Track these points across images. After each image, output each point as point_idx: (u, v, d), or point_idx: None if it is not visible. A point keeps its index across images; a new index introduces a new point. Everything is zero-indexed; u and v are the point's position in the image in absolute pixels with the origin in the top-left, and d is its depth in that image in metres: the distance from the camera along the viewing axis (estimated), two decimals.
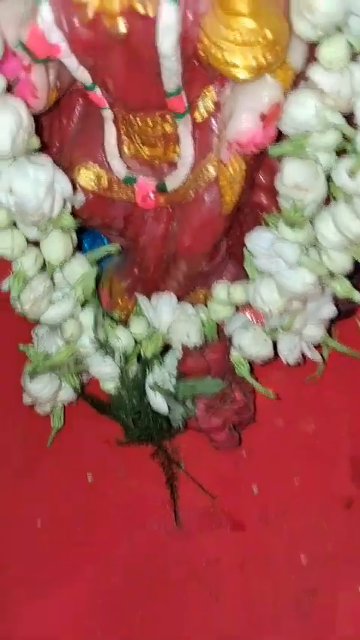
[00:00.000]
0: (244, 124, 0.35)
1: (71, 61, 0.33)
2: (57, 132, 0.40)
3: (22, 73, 0.33)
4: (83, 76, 0.35)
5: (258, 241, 0.40)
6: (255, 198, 0.41)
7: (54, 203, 0.37)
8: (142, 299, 0.46)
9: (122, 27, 0.31)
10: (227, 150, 0.36)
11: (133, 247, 0.46)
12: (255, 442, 0.49)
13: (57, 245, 0.40)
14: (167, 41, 0.31)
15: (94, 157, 0.40)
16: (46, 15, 0.31)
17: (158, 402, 0.46)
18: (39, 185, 0.35)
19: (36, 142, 0.35)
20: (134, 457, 0.50)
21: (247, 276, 0.44)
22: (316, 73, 0.34)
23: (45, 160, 0.35)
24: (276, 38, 0.31)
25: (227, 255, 0.45)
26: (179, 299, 0.46)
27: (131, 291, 0.49)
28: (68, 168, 0.40)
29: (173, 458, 0.49)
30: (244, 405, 0.48)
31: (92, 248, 0.45)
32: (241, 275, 0.46)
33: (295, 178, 0.36)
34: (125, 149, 0.40)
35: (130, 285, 0.49)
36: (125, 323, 0.48)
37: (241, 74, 0.32)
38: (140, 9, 0.31)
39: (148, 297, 0.47)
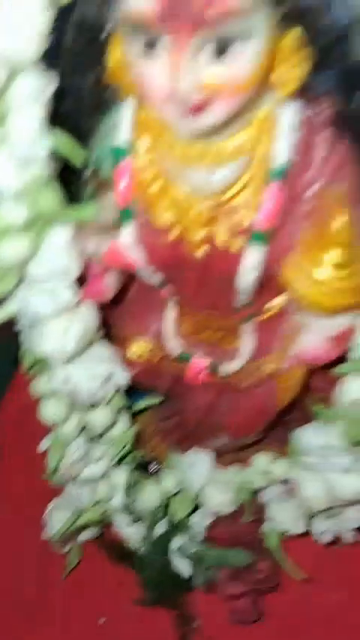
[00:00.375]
0: (312, 343, 0.33)
1: (145, 271, 0.32)
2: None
3: (94, 276, 0.32)
4: (154, 279, 0.33)
5: (310, 438, 0.38)
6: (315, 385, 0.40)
7: (107, 393, 0.35)
8: (178, 455, 0.45)
9: (201, 253, 0.30)
10: (291, 360, 0.35)
11: (175, 401, 0.45)
12: (275, 610, 0.47)
13: (103, 416, 0.39)
14: (248, 280, 0.30)
15: (149, 331, 0.39)
16: (127, 237, 0.30)
17: (182, 566, 0.45)
18: (96, 379, 0.34)
19: (98, 336, 0.34)
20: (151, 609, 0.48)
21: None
22: None
23: (105, 352, 0.34)
24: None
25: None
26: (217, 457, 0.45)
27: (166, 435, 0.47)
28: (119, 340, 0.39)
29: (188, 615, 0.48)
30: (269, 574, 0.46)
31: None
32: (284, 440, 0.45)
33: (356, 394, 0.35)
34: (184, 327, 0.39)
35: (166, 429, 0.48)
36: (153, 461, 0.47)
37: (323, 312, 0.31)
38: (223, 243, 0.29)
39: (184, 448, 0.46)
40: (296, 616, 0.47)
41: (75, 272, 0.29)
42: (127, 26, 0.23)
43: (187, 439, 0.46)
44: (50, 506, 0.47)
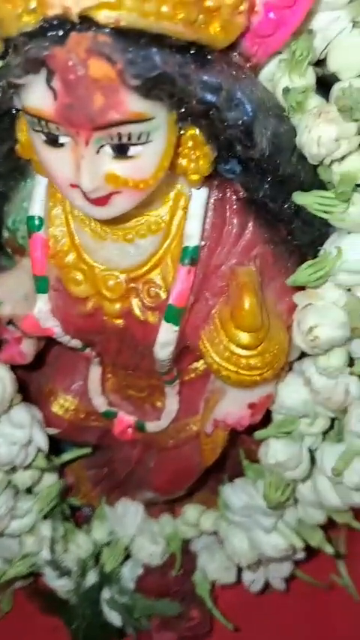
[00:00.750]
0: (232, 409, 0.34)
1: (64, 338, 0.32)
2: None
3: (10, 339, 0.32)
4: (74, 343, 0.33)
5: (235, 497, 0.39)
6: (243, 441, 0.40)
7: (27, 456, 0.35)
8: (107, 507, 0.45)
9: (119, 323, 0.30)
10: (212, 424, 0.35)
11: (105, 452, 0.45)
12: None
13: (27, 475, 0.39)
14: (164, 352, 0.30)
15: (73, 389, 0.39)
16: (42, 307, 0.30)
17: (112, 616, 0.45)
18: (15, 445, 0.34)
19: (17, 399, 0.34)
20: None
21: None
22: (309, 369, 0.33)
23: (24, 418, 0.34)
24: (277, 359, 0.30)
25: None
26: (147, 507, 0.45)
27: (96, 482, 0.47)
28: (43, 395, 0.38)
29: None
30: (201, 621, 0.47)
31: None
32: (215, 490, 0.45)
33: (279, 458, 0.35)
34: (109, 384, 0.39)
35: (96, 477, 0.47)
36: (85, 506, 0.47)
37: (235, 385, 0.31)
38: (140, 315, 0.30)
39: (115, 497, 0.46)
40: None
41: None
42: (29, 118, 0.23)
43: (117, 489, 0.46)
44: None
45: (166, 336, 0.29)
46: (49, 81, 0.21)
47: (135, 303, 0.30)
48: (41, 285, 0.30)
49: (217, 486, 0.45)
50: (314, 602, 0.47)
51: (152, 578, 0.45)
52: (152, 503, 0.45)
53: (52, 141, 0.23)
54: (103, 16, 0.19)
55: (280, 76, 0.25)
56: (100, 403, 0.39)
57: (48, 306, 0.30)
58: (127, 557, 0.46)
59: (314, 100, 0.26)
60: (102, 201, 0.24)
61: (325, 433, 0.36)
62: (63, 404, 0.39)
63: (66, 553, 0.44)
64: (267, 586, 0.46)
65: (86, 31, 0.20)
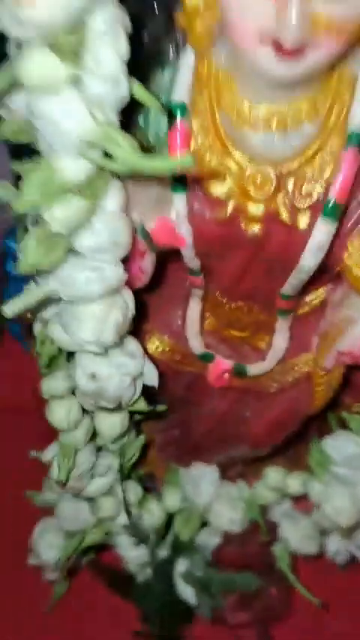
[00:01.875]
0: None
1: (189, 252, 0.29)
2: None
3: (134, 252, 0.29)
4: (194, 263, 0.30)
5: (339, 447, 0.36)
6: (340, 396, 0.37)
7: (135, 392, 0.32)
8: (181, 470, 0.42)
9: (257, 231, 0.28)
10: (334, 358, 0.32)
11: (182, 409, 0.41)
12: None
13: (116, 421, 0.35)
14: (312, 262, 0.27)
15: (170, 328, 0.36)
16: (180, 208, 0.27)
17: (187, 593, 0.41)
18: (127, 376, 0.30)
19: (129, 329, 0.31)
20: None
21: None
22: None
23: (137, 348, 0.31)
24: None
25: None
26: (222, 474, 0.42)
27: (162, 447, 0.44)
28: (137, 335, 0.35)
29: None
30: (279, 601, 0.43)
31: None
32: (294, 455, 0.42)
33: None
34: (206, 324, 0.36)
35: (163, 441, 0.44)
36: (148, 477, 0.44)
37: None
38: (286, 219, 0.27)
39: (184, 462, 0.43)
40: None
41: (126, 246, 0.26)
42: None
43: (188, 453, 0.42)
44: (37, 529, 0.43)
45: (321, 238, 0.27)
46: None
47: (282, 204, 0.27)
48: (178, 185, 0.27)
49: (295, 453, 0.42)
50: None
51: (231, 549, 0.42)
52: (228, 466, 0.42)
53: None
54: None
55: None
56: (197, 345, 0.35)
57: (183, 211, 0.27)
58: (202, 525, 0.42)
59: None
60: (298, 53, 0.21)
61: None
62: (159, 345, 0.36)
63: (140, 521, 0.40)
64: (353, 559, 0.43)
65: None
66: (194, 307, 0.35)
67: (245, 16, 0.22)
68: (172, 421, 0.43)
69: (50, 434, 0.45)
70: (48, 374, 0.34)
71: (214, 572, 0.41)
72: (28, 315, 0.37)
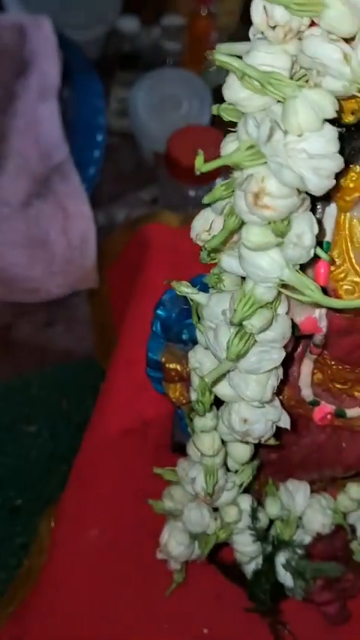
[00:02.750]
0: None
1: (318, 337, 0.42)
2: None
3: None
4: (320, 341, 0.43)
5: None
6: None
7: (272, 432, 0.44)
8: (281, 485, 0.54)
9: None
10: None
11: (282, 442, 0.54)
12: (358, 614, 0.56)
13: (247, 450, 0.48)
14: None
15: (288, 381, 0.48)
16: (323, 309, 0.39)
17: (287, 579, 0.54)
18: (270, 421, 0.43)
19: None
20: (245, 616, 0.57)
21: None
22: None
23: (277, 400, 0.43)
24: None
25: None
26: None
27: (262, 467, 0.56)
28: None
29: (282, 621, 0.56)
30: (354, 584, 0.56)
31: None
32: None
33: None
34: (314, 378, 0.48)
35: (263, 462, 0.56)
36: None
37: None
38: None
39: (280, 479, 0.55)
40: None
41: (289, 337, 0.39)
42: None
43: (284, 471, 0.55)
44: (166, 529, 0.55)
45: None
46: None
47: None
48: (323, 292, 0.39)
49: None
50: None
51: (322, 546, 0.54)
52: (314, 481, 0.55)
53: None
54: None
55: None
56: (307, 393, 0.48)
57: (324, 309, 0.40)
58: (297, 527, 0.55)
59: None
60: None
61: None
62: (283, 393, 0.48)
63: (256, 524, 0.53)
64: None
65: None
66: (307, 366, 0.47)
67: None
68: (271, 447, 0.55)
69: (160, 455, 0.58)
70: (203, 414, 0.46)
71: (308, 562, 0.54)
72: (172, 369, 0.50)
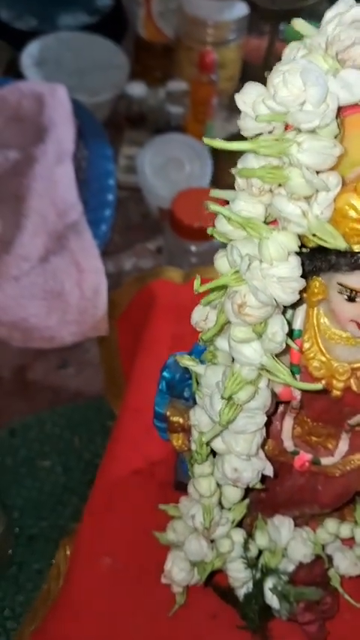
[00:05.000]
0: None
1: (295, 402, 0.53)
2: None
3: None
4: (297, 405, 0.54)
5: None
6: None
7: (258, 478, 0.55)
8: (269, 520, 0.65)
9: (338, 394, 0.51)
10: None
11: (268, 483, 0.65)
12: (336, 632, 0.67)
13: (238, 492, 0.59)
14: None
15: (272, 434, 0.59)
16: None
17: (274, 601, 0.65)
18: (256, 470, 0.54)
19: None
20: (237, 633, 0.67)
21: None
22: None
23: (262, 454, 0.54)
24: None
25: None
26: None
27: (252, 504, 0.67)
28: None
29: (269, 638, 0.67)
30: (331, 606, 0.67)
31: None
32: (345, 509, 0.66)
33: None
34: (294, 431, 0.59)
35: (253, 500, 0.67)
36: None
37: None
38: (356, 390, 0.51)
39: (268, 514, 0.66)
40: (350, 635, 0.67)
41: (269, 405, 0.50)
42: (340, 285, 0.44)
43: (271, 508, 0.66)
44: (170, 557, 0.66)
45: None
46: None
47: (354, 382, 0.51)
48: (295, 369, 0.51)
49: (342, 508, 0.66)
50: None
51: (303, 573, 0.65)
52: (297, 516, 0.66)
53: (351, 299, 0.44)
54: None
55: None
56: (289, 445, 0.59)
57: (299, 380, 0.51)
58: (282, 557, 0.66)
59: None
60: None
61: None
62: (265, 445, 0.59)
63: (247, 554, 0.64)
64: None
65: None
66: (288, 422, 0.58)
67: (343, 310, 0.45)
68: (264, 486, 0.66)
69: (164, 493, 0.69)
70: (202, 462, 0.57)
71: (292, 587, 0.65)
72: (175, 421, 0.61)
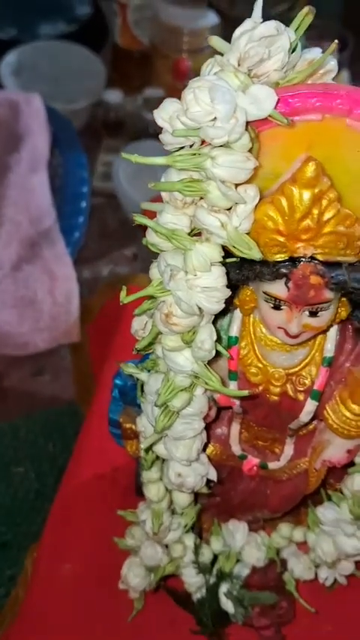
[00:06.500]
0: (336, 453, 0.56)
1: (237, 408, 0.54)
2: None
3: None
4: (238, 411, 0.55)
5: (326, 513, 0.61)
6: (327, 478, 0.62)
7: (202, 483, 0.57)
8: (223, 525, 0.67)
9: (275, 399, 0.53)
10: (320, 463, 0.57)
11: (222, 487, 0.66)
12: (291, 637, 0.68)
13: (186, 497, 0.60)
14: (306, 417, 0.53)
15: (220, 439, 0.61)
16: (233, 388, 0.52)
17: (228, 606, 0.66)
18: (199, 475, 0.55)
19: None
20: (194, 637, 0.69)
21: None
22: None
23: (205, 459, 0.56)
24: None
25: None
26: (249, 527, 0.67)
27: (208, 510, 0.69)
28: None
29: None
30: (287, 610, 0.68)
31: None
32: (298, 514, 0.67)
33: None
34: (242, 436, 0.61)
35: (208, 506, 0.69)
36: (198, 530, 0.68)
37: (344, 437, 0.54)
38: (292, 395, 0.52)
39: (224, 519, 0.67)
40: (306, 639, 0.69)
41: (206, 411, 0.51)
42: (265, 295, 0.46)
43: (226, 513, 0.67)
44: (126, 563, 0.68)
45: (309, 408, 0.52)
46: (287, 282, 0.44)
47: (289, 387, 0.52)
48: (233, 375, 0.52)
49: (297, 512, 0.67)
50: None
51: (257, 577, 0.66)
52: (253, 521, 0.67)
53: (276, 306, 0.46)
54: (320, 256, 0.43)
55: None
56: (237, 449, 0.61)
57: (236, 387, 0.52)
58: (237, 561, 0.67)
59: None
60: (296, 336, 0.47)
61: None
62: (213, 449, 0.61)
63: (199, 559, 0.65)
64: (335, 581, 0.67)
65: (310, 261, 0.43)
66: (235, 427, 0.60)
67: (271, 317, 0.47)
68: (215, 493, 0.67)
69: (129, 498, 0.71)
70: (148, 469, 0.58)
71: (246, 591, 0.66)
72: (128, 427, 0.62)
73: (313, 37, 1.40)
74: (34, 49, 1.24)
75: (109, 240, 1.19)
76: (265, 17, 0.41)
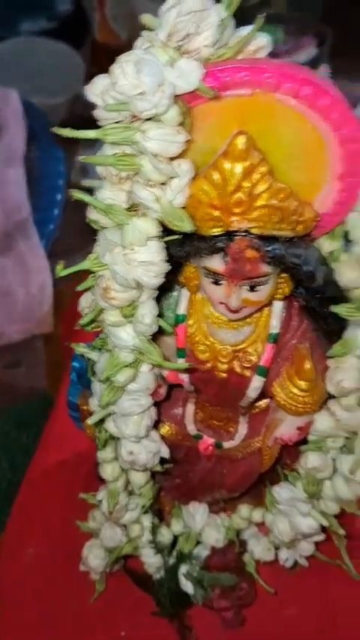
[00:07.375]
0: (287, 430, 0.57)
1: (187, 386, 0.55)
2: None
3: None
4: (190, 389, 0.56)
5: (282, 493, 0.61)
6: (283, 459, 0.63)
7: (155, 460, 0.57)
8: (184, 507, 0.67)
9: (224, 376, 0.54)
10: (273, 440, 0.58)
11: (181, 467, 0.67)
12: (252, 618, 0.69)
13: (142, 476, 0.61)
14: (252, 395, 0.53)
15: (175, 419, 0.61)
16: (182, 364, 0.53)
17: (188, 587, 0.67)
18: (150, 453, 0.56)
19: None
20: (157, 620, 0.69)
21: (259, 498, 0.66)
22: (335, 406, 0.56)
23: (156, 436, 0.56)
24: (320, 399, 0.53)
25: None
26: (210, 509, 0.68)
27: (168, 491, 0.69)
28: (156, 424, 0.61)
29: (187, 625, 0.69)
30: (248, 592, 0.68)
31: None
32: (258, 495, 0.68)
33: (313, 464, 0.58)
34: (197, 416, 0.61)
35: (169, 487, 0.69)
36: (159, 511, 0.69)
37: (293, 414, 0.54)
38: (239, 371, 0.53)
39: (184, 501, 0.68)
40: (267, 622, 0.69)
41: (152, 388, 0.52)
42: (204, 271, 0.46)
43: (186, 495, 0.68)
44: (87, 545, 0.68)
45: (256, 384, 0.53)
46: (224, 257, 0.45)
47: (236, 364, 0.53)
48: (181, 353, 0.53)
49: (258, 494, 0.68)
50: (327, 574, 0.69)
51: (216, 558, 0.67)
52: (214, 503, 0.68)
53: (216, 281, 0.47)
54: (255, 230, 0.43)
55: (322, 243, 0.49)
56: (192, 429, 0.61)
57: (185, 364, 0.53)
58: (197, 543, 0.68)
59: (343, 255, 0.50)
60: (237, 311, 0.48)
61: (341, 448, 0.59)
62: (168, 429, 0.61)
63: (157, 539, 0.66)
64: (295, 563, 0.68)
65: (246, 235, 0.44)
66: (190, 407, 0.61)
67: (212, 292, 0.48)
68: (175, 474, 0.68)
69: (92, 483, 0.71)
70: (102, 448, 0.59)
71: (205, 573, 0.66)
72: (86, 409, 0.63)
73: (292, 31, 1.42)
74: (12, 45, 1.25)
75: (86, 234, 1.19)
76: (238, 10, 0.41)
